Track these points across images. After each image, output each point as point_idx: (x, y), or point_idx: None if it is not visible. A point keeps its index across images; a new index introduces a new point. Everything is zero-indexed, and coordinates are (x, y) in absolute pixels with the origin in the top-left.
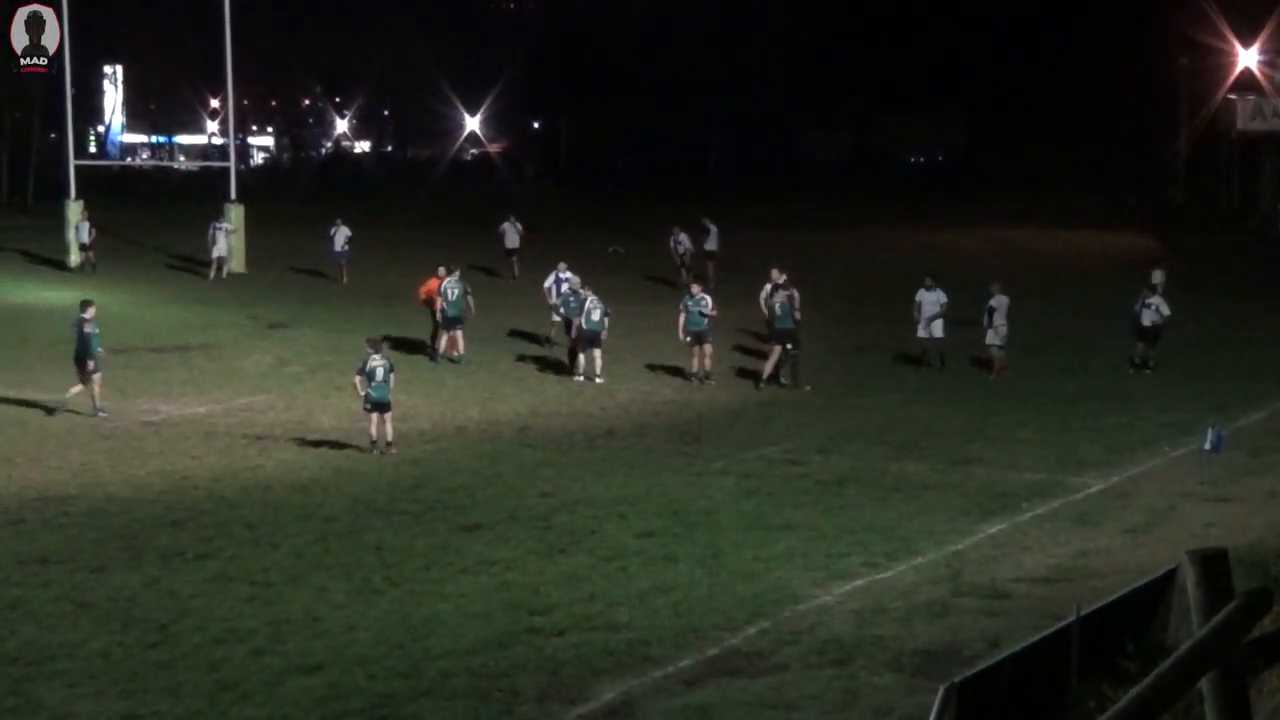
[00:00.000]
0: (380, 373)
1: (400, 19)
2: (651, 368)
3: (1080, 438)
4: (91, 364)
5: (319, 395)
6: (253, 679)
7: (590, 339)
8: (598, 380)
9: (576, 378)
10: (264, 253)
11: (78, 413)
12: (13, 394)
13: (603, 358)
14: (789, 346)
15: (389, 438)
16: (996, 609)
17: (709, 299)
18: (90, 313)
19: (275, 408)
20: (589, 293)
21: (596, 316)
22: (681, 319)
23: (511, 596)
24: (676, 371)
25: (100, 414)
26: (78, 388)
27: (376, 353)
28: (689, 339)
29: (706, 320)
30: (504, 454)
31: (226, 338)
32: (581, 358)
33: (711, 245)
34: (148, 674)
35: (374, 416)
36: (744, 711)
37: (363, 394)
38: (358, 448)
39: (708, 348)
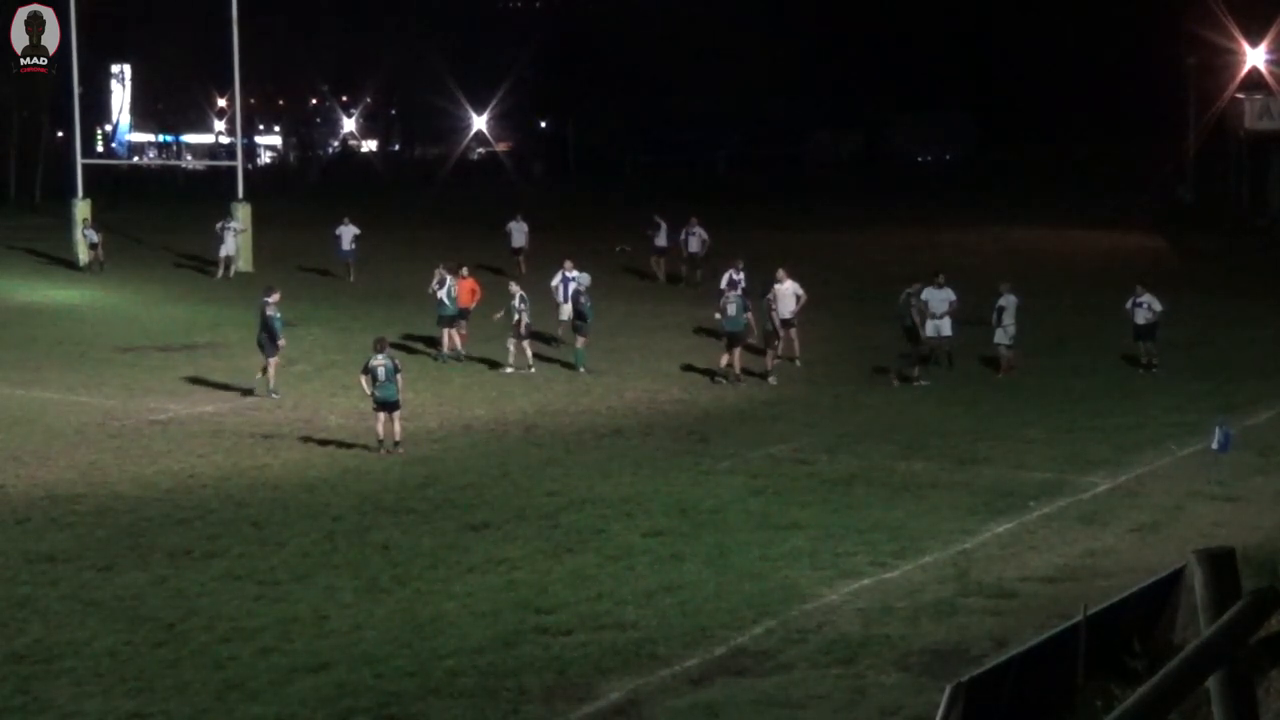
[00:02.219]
0: (382, 372)
1: (407, 18)
2: (659, 367)
3: (1088, 437)
4: (281, 343)
5: (326, 394)
6: (260, 678)
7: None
8: (507, 371)
9: (507, 370)
10: (271, 252)
11: (274, 393)
12: (20, 392)
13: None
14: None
15: (397, 437)
16: (1003, 608)
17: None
18: (275, 298)
19: (282, 406)
20: (519, 289)
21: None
22: (749, 317)
23: (518, 595)
24: (687, 370)
25: (273, 395)
26: (274, 361)
27: (380, 353)
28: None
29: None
30: (511, 453)
31: (234, 337)
32: (514, 348)
33: (661, 241)
34: (155, 672)
35: (381, 416)
36: (751, 710)
37: (369, 393)
38: (365, 446)
39: (738, 350)
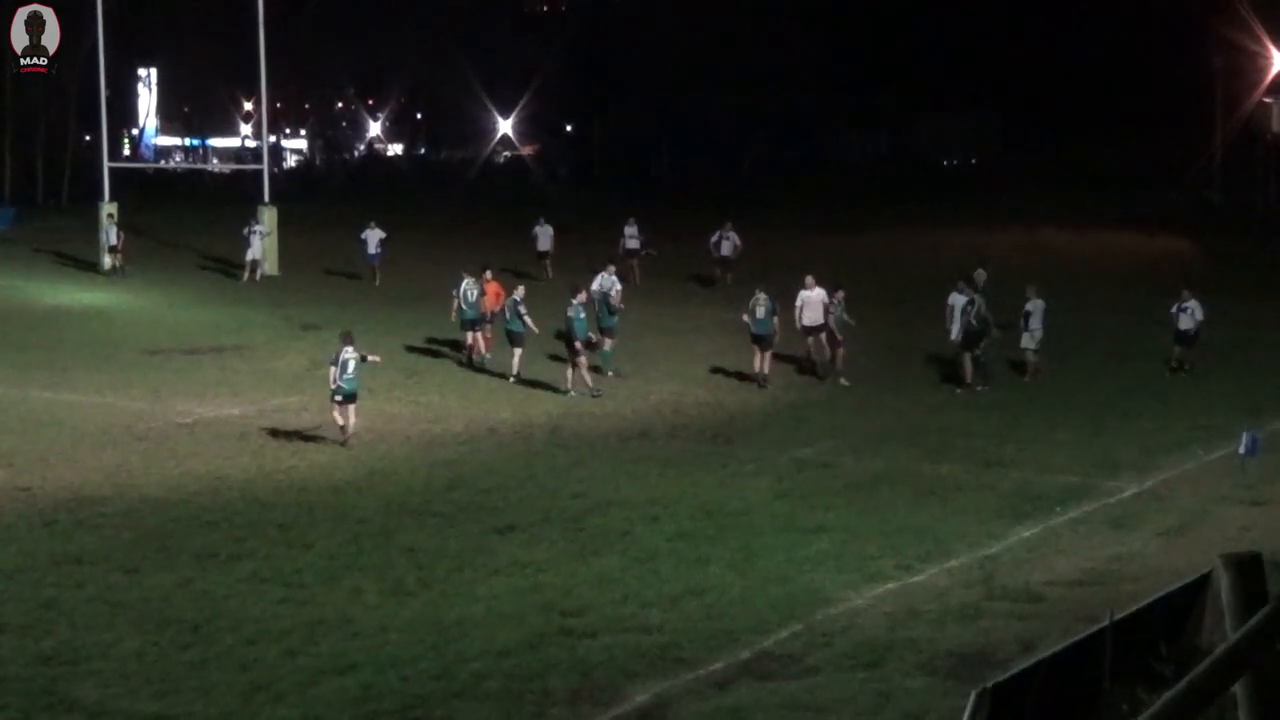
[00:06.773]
0: (351, 365)
1: (433, 21)
2: (685, 369)
3: (1114, 440)
4: (578, 344)
5: None
6: (286, 680)
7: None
8: (512, 379)
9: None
10: (297, 255)
11: (595, 393)
12: (47, 394)
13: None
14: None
15: (351, 430)
16: (1029, 612)
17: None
18: (581, 297)
19: (309, 409)
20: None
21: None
22: (776, 321)
23: (544, 598)
24: (713, 372)
25: (596, 394)
26: (582, 363)
27: (349, 345)
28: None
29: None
30: (537, 455)
31: (260, 339)
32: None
33: (633, 244)
34: (181, 674)
35: (341, 407)
36: (776, 714)
37: (334, 386)
38: (389, 447)
39: (768, 353)
